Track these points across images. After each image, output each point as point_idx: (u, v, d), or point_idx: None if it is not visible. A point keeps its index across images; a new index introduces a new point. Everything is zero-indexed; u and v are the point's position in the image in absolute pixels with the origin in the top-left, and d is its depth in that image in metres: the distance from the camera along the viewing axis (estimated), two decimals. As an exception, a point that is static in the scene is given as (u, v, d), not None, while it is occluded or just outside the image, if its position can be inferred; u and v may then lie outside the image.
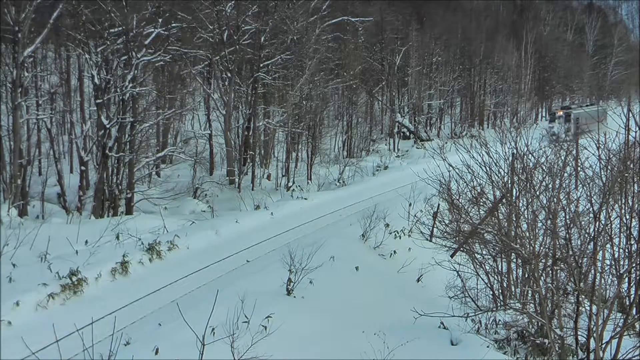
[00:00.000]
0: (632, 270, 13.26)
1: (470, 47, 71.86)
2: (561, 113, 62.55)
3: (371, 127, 56.31)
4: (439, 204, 22.08)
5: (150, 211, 29.55)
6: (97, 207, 28.91)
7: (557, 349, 12.08)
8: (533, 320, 13.21)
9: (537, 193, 14.93)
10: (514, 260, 15.96)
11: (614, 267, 13.26)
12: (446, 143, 43.30)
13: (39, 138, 33.16)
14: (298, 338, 12.87)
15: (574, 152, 20.88)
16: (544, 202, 14.40)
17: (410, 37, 60.77)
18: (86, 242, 21.36)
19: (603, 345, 11.59)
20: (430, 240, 21.86)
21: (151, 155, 33.73)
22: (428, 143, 52.08)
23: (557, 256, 13.21)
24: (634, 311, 13.06)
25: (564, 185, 15.20)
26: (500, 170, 17.61)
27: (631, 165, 15.64)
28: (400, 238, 22.57)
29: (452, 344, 13.40)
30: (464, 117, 69.86)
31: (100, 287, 17.82)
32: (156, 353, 11.92)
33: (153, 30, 31.08)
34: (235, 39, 35.95)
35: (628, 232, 13.95)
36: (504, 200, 17.12)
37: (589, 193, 13.88)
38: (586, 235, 12.70)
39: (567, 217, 13.31)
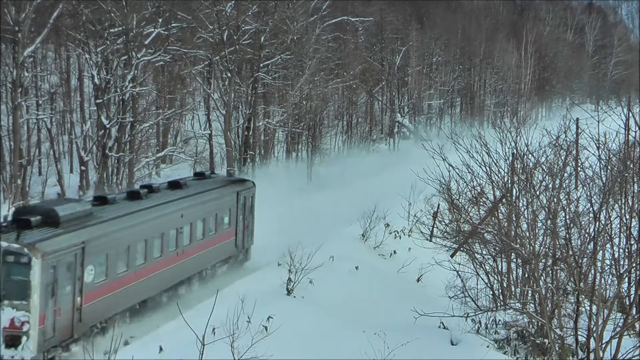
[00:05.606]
0: (632, 270, 13.27)
1: (470, 47, 71.73)
2: None
3: (371, 127, 56.26)
4: (439, 204, 22.07)
5: (150, 211, 29.45)
6: (97, 207, 28.85)
7: (557, 349, 12.07)
8: (533, 320, 13.21)
9: (537, 193, 14.93)
10: (514, 260, 15.94)
11: (614, 267, 13.27)
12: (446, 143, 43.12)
13: (39, 138, 33.15)
14: (298, 338, 12.88)
15: (574, 152, 20.85)
16: (544, 202, 14.41)
17: (410, 37, 60.68)
18: (86, 242, 21.27)
19: (603, 345, 11.59)
20: (430, 240, 21.84)
21: (151, 155, 33.73)
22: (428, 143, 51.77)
23: (557, 256, 13.21)
24: (634, 311, 13.08)
25: (564, 185, 15.20)
26: (500, 170, 17.60)
27: (631, 165, 15.65)
28: (400, 238, 22.57)
29: (452, 344, 13.41)
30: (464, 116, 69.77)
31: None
32: (160, 351, 11.96)
33: (153, 30, 31.10)
34: (235, 39, 35.93)
35: (628, 232, 13.97)
36: (504, 200, 17.12)
37: (589, 193, 13.88)
38: (586, 235, 12.70)
39: (567, 217, 13.32)
